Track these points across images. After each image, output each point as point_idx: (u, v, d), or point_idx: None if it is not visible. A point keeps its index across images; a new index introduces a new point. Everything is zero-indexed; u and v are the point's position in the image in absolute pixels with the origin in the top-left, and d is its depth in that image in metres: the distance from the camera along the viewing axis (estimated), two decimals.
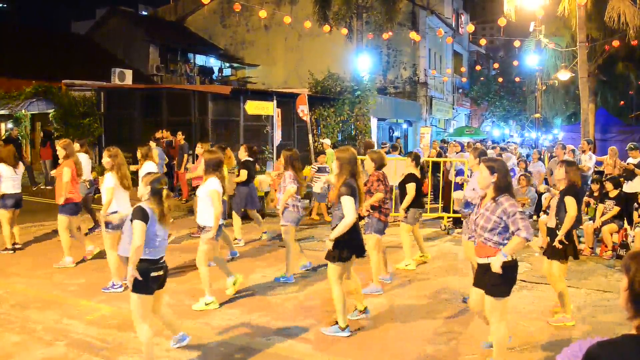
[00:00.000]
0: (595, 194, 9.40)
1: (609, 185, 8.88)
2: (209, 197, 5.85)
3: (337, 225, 4.93)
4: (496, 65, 40.93)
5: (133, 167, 8.36)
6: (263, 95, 15.89)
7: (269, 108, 14.94)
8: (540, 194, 10.61)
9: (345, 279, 5.19)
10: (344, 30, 20.48)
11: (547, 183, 11.06)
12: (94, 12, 40.17)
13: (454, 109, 35.93)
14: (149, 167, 7.57)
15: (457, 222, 10.01)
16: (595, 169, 11.78)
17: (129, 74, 18.46)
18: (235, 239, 8.71)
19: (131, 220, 4.22)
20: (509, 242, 4.05)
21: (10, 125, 17.18)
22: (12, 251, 8.09)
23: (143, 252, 4.18)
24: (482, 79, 38.79)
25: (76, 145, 8.38)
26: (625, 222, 8.60)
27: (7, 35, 21.94)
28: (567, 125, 26.46)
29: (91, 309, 5.81)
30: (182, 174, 12.77)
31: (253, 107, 14.29)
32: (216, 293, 6.01)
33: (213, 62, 29.97)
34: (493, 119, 40.76)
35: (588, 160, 11.56)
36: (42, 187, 14.72)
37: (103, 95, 16.40)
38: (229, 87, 17.93)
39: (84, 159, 8.51)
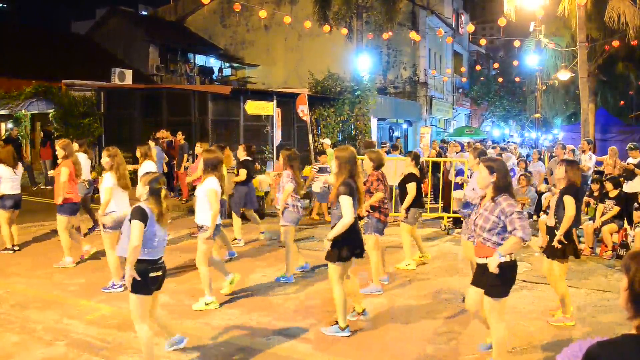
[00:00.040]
0: (595, 193, 9.40)
1: (609, 185, 8.88)
2: (207, 196, 5.86)
3: (335, 225, 4.92)
4: (496, 65, 40.94)
5: (131, 167, 8.36)
6: (263, 95, 15.87)
7: (269, 108, 14.93)
8: (540, 194, 10.62)
9: (345, 279, 5.19)
10: (344, 30, 20.47)
11: (547, 183, 11.06)
12: (94, 12, 40.23)
13: (454, 109, 35.91)
14: (147, 167, 7.58)
15: (457, 222, 10.00)
16: (595, 169, 11.76)
17: (129, 74, 18.45)
18: (235, 239, 8.71)
19: (130, 220, 4.19)
20: (505, 242, 4.05)
21: (10, 125, 17.19)
22: (12, 251, 8.10)
23: (142, 253, 4.16)
24: (482, 79, 38.77)
25: (75, 145, 8.37)
26: (625, 222, 8.60)
27: (7, 35, 21.94)
28: (567, 125, 26.46)
29: (91, 309, 5.81)
30: (182, 174, 12.79)
31: (253, 107, 14.28)
32: (216, 293, 6.01)
33: (213, 62, 29.97)
34: (493, 119, 40.76)
35: (588, 160, 11.56)
36: (42, 187, 14.71)
37: (103, 95, 16.39)
38: (229, 87, 17.92)
39: (83, 159, 8.50)
